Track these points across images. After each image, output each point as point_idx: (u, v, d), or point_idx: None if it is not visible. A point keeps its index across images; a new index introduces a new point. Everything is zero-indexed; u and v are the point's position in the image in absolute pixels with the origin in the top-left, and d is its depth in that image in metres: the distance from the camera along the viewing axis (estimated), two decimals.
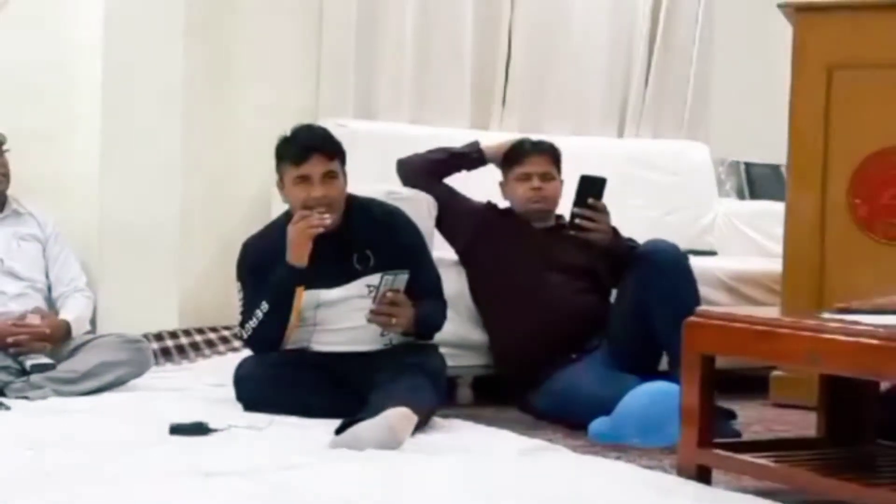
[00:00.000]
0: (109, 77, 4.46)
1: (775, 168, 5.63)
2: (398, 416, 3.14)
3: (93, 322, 4.26)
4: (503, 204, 4.19)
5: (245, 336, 3.64)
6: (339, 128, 4.42)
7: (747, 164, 5.87)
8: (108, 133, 4.47)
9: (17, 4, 4.54)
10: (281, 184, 3.64)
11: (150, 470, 2.76)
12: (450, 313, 3.77)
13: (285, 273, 3.52)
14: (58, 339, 3.97)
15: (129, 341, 3.98)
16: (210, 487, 2.62)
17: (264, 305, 3.53)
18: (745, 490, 2.85)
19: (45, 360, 3.84)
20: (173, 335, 4.47)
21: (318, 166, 3.54)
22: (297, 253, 3.51)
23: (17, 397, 3.64)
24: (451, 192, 4.16)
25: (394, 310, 3.51)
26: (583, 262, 4.01)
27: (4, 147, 4.16)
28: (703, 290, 3.94)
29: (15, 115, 4.36)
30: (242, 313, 3.62)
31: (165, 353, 4.39)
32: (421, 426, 3.29)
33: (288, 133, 3.62)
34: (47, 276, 4.20)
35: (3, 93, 4.47)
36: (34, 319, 3.95)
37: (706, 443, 2.88)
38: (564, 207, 4.12)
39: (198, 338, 4.51)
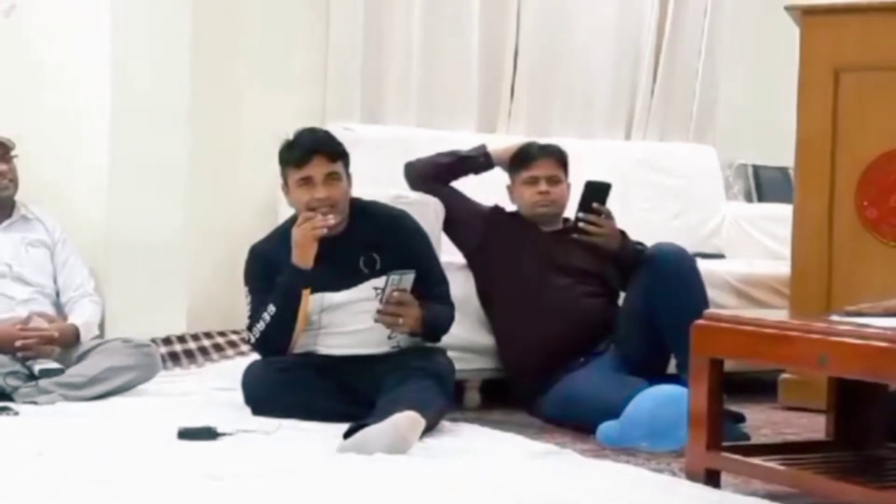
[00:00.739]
0: (117, 84, 4.46)
1: (783, 170, 5.62)
2: (406, 420, 3.14)
3: (101, 327, 4.27)
4: (510, 207, 4.18)
5: (253, 340, 3.64)
6: (346, 132, 4.44)
7: (755, 167, 5.87)
8: (116, 139, 4.47)
9: (27, 18, 4.54)
10: (285, 187, 3.64)
11: (159, 474, 2.76)
12: (457, 316, 3.77)
13: (291, 275, 3.53)
14: (66, 343, 3.97)
15: (138, 346, 3.98)
16: (218, 492, 2.62)
17: (271, 308, 3.54)
18: (753, 493, 2.85)
19: (53, 364, 3.84)
20: (181, 339, 4.47)
21: (320, 168, 3.55)
22: (302, 254, 3.51)
23: (26, 402, 3.64)
24: (458, 195, 4.16)
25: (400, 309, 3.51)
26: (590, 265, 4.01)
27: (13, 153, 4.17)
28: (711, 293, 3.93)
29: (24, 122, 4.37)
30: (250, 317, 3.62)
31: (173, 358, 4.39)
32: (429, 430, 3.29)
33: (290, 137, 3.62)
34: (55, 282, 4.20)
35: (12, 101, 4.48)
36: (40, 323, 3.95)
37: (715, 446, 2.88)
38: (571, 211, 4.12)
39: (206, 342, 4.51)
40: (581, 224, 3.80)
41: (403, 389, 3.36)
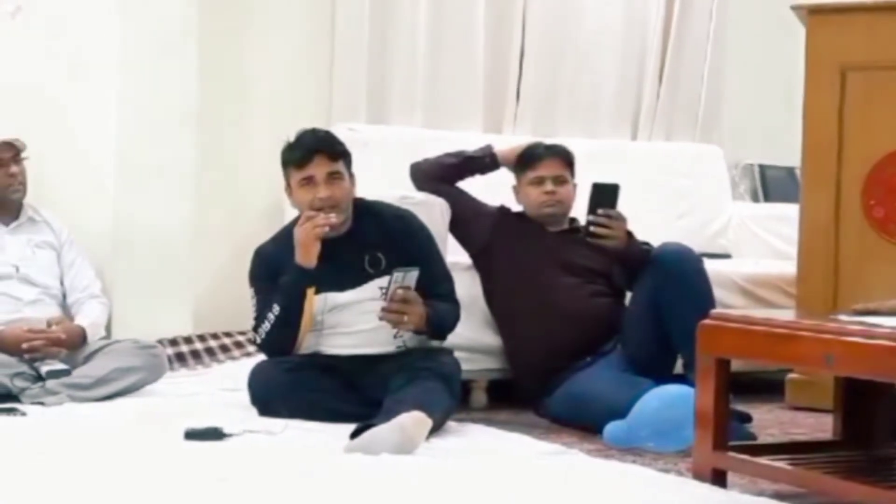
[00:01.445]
0: (124, 86, 4.47)
1: (790, 170, 5.62)
2: (412, 421, 3.14)
3: (108, 328, 4.27)
4: (516, 208, 4.18)
5: (258, 341, 3.64)
6: (352, 132, 4.44)
7: (761, 167, 5.86)
8: (123, 141, 4.48)
9: (34, 18, 4.54)
10: (288, 189, 3.65)
11: (166, 475, 2.76)
12: (464, 317, 3.76)
13: (294, 274, 3.53)
14: (73, 344, 3.98)
15: (144, 347, 3.99)
16: (224, 492, 2.62)
17: (276, 308, 3.54)
18: (761, 493, 2.84)
19: (60, 366, 3.85)
20: (188, 340, 4.47)
21: (321, 167, 3.55)
22: (305, 254, 3.52)
23: (33, 403, 3.65)
24: (464, 196, 4.16)
25: (405, 307, 3.50)
26: (596, 265, 4.01)
27: (23, 155, 4.18)
28: (718, 293, 3.93)
29: (31, 123, 4.38)
30: (255, 318, 3.63)
31: (180, 359, 4.40)
32: (435, 430, 3.28)
33: (292, 138, 3.63)
34: (62, 283, 4.21)
35: (19, 101, 4.48)
36: (46, 325, 3.96)
37: (721, 446, 2.88)
38: (577, 211, 4.12)
39: (212, 343, 4.51)
40: (592, 228, 3.79)
41: (410, 390, 3.36)
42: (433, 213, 3.96)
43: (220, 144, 4.72)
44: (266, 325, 3.57)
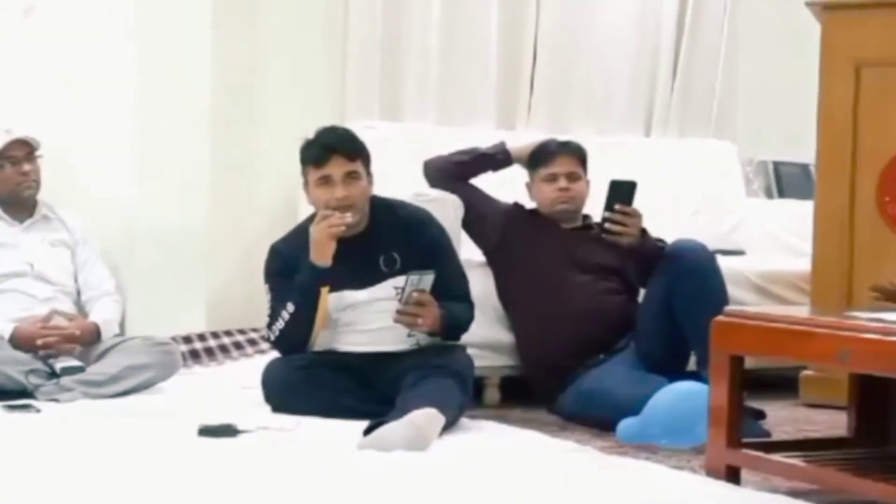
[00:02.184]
0: (139, 85, 4.48)
1: (804, 167, 5.60)
2: (425, 417, 3.14)
3: (122, 325, 4.29)
4: (530, 205, 4.18)
5: (272, 338, 3.65)
6: (366, 129, 4.43)
7: (775, 163, 5.85)
8: (137, 141, 4.49)
9: (51, 17, 4.55)
10: (306, 186, 3.65)
11: (179, 472, 2.77)
12: (477, 314, 3.76)
13: (309, 273, 3.53)
14: (87, 341, 3.99)
15: (158, 344, 4.00)
16: (238, 489, 2.62)
17: (290, 306, 3.54)
18: (774, 490, 2.84)
19: (74, 362, 3.86)
20: (201, 337, 4.48)
21: (338, 167, 3.55)
22: (320, 253, 3.52)
23: (47, 400, 3.66)
24: (477, 193, 4.15)
25: (420, 310, 3.51)
26: (609, 262, 4.00)
27: (37, 153, 4.19)
28: (732, 290, 3.92)
29: (47, 120, 4.39)
30: (269, 316, 3.63)
31: (193, 356, 4.41)
32: (448, 427, 3.29)
33: (311, 135, 3.63)
34: (76, 281, 4.22)
35: (35, 99, 4.49)
36: (60, 321, 3.97)
37: (735, 443, 2.87)
38: (590, 208, 4.12)
39: (225, 340, 4.52)
40: (607, 224, 3.78)
41: (423, 386, 3.36)
42: (446, 210, 3.96)
43: (233, 143, 4.73)
44: (280, 323, 3.57)
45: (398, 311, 3.51)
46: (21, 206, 4.21)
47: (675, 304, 3.74)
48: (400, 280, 3.54)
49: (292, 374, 3.58)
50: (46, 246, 4.20)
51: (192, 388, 3.99)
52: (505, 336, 4.10)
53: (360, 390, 3.55)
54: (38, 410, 3.53)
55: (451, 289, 3.65)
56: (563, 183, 4.06)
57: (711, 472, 2.91)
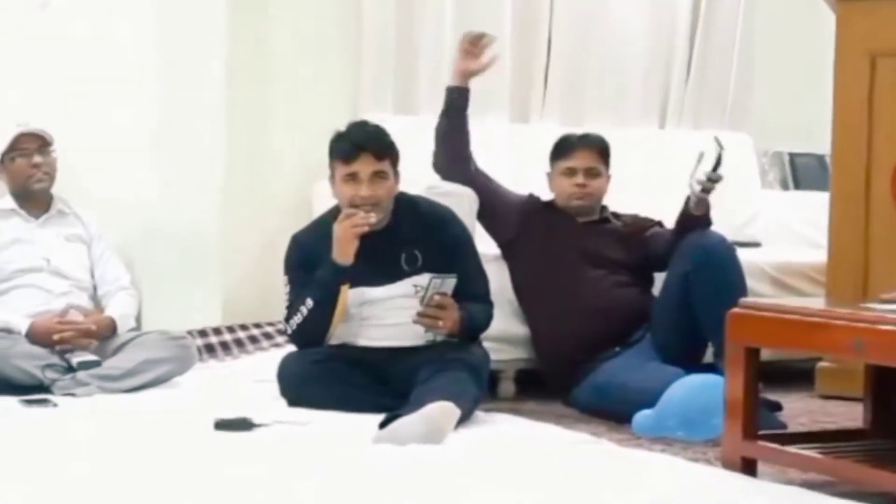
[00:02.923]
0: (154, 81, 4.49)
1: (819, 158, 5.58)
2: (440, 411, 3.15)
3: (137, 320, 4.29)
4: (546, 196, 4.17)
5: (289, 331, 3.65)
6: (380, 123, 4.43)
7: (791, 155, 5.83)
8: (152, 135, 4.49)
9: (69, 14, 4.56)
10: (332, 179, 3.64)
11: (196, 465, 2.78)
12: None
13: (330, 271, 3.53)
14: (103, 335, 4.00)
15: (174, 338, 4.00)
16: (254, 482, 2.63)
17: (309, 302, 3.54)
18: (790, 482, 2.83)
19: (91, 357, 3.87)
20: (217, 331, 4.48)
21: (366, 165, 3.54)
22: (343, 251, 3.51)
23: (64, 394, 3.67)
24: (493, 185, 4.14)
25: (440, 312, 3.51)
26: (622, 256, 4.00)
27: (52, 148, 4.20)
28: (748, 282, 3.90)
29: (63, 117, 4.39)
30: (288, 308, 3.63)
31: (209, 350, 4.41)
32: (463, 420, 3.29)
33: (342, 128, 3.62)
34: (92, 276, 4.23)
35: (52, 96, 4.50)
36: (76, 316, 3.99)
37: (751, 435, 2.87)
38: (608, 199, 4.12)
39: (241, 334, 4.52)
40: (705, 185, 3.80)
41: (438, 380, 3.36)
42: (461, 203, 3.95)
43: (248, 137, 4.73)
44: (298, 318, 3.57)
45: (419, 313, 3.52)
46: (34, 200, 4.22)
47: (692, 295, 3.73)
48: (420, 278, 3.54)
49: (308, 368, 3.59)
50: (62, 241, 4.21)
51: (207, 382, 3.99)
52: (520, 329, 4.10)
53: (375, 384, 3.55)
54: (54, 405, 3.54)
55: (471, 288, 3.65)
56: (580, 179, 4.04)
57: (727, 464, 2.91)
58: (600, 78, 5.41)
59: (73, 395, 3.67)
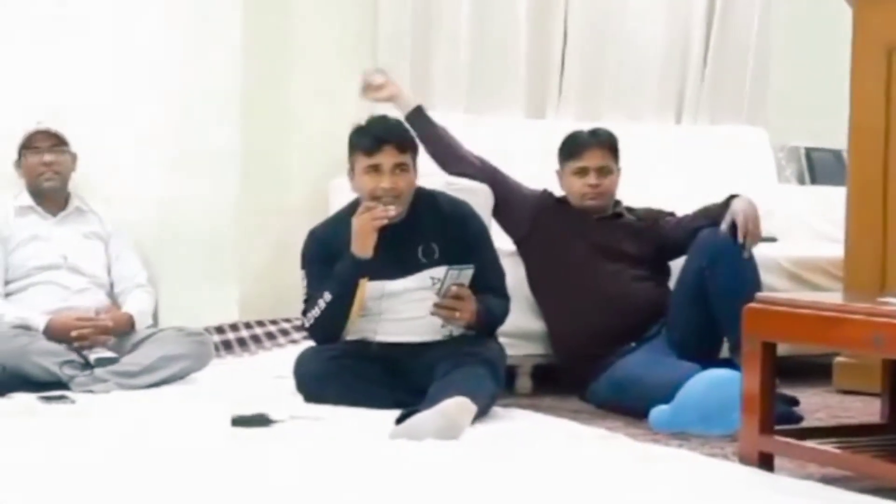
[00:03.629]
0: (169, 76, 4.50)
1: (836, 153, 5.57)
2: (457, 406, 3.15)
3: (155, 316, 4.31)
4: (559, 192, 4.16)
5: (307, 325, 3.65)
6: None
7: (807, 149, 5.81)
8: (168, 131, 4.50)
9: (79, 7, 4.58)
10: (351, 172, 3.64)
11: (213, 461, 2.79)
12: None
13: (349, 264, 3.53)
14: (121, 332, 4.02)
15: (191, 335, 4.02)
16: (271, 478, 2.64)
17: (327, 296, 3.54)
18: (808, 477, 2.83)
19: (108, 354, 3.88)
20: (234, 328, 4.50)
21: (389, 157, 3.55)
22: (362, 244, 3.52)
23: (82, 391, 3.69)
24: (508, 181, 4.14)
25: (458, 304, 3.52)
26: (638, 250, 4.00)
27: (66, 147, 4.21)
28: (764, 277, 3.90)
29: (77, 113, 4.41)
30: (305, 302, 3.64)
31: (226, 346, 4.42)
32: (480, 416, 3.29)
33: (363, 122, 3.63)
34: (109, 273, 4.25)
35: (67, 93, 4.51)
36: (90, 314, 4.00)
37: (768, 430, 2.86)
38: (622, 194, 4.11)
39: (258, 330, 4.53)
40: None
41: (455, 375, 3.37)
42: (477, 199, 3.95)
43: (264, 133, 4.73)
44: (316, 311, 3.58)
45: (436, 305, 3.52)
46: (48, 197, 4.24)
47: (708, 290, 3.73)
48: (436, 271, 3.55)
49: (324, 364, 3.59)
50: (80, 238, 4.23)
51: (224, 378, 4.00)
52: (536, 324, 4.10)
53: (391, 380, 3.55)
54: (72, 401, 3.56)
55: (488, 282, 3.66)
56: (592, 179, 4.03)
57: (744, 460, 2.91)
58: (616, 73, 5.40)
59: (91, 391, 3.69)
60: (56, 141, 4.21)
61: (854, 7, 4.09)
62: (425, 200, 3.67)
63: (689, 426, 3.36)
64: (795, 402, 3.62)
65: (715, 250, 3.77)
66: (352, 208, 3.62)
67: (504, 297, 3.73)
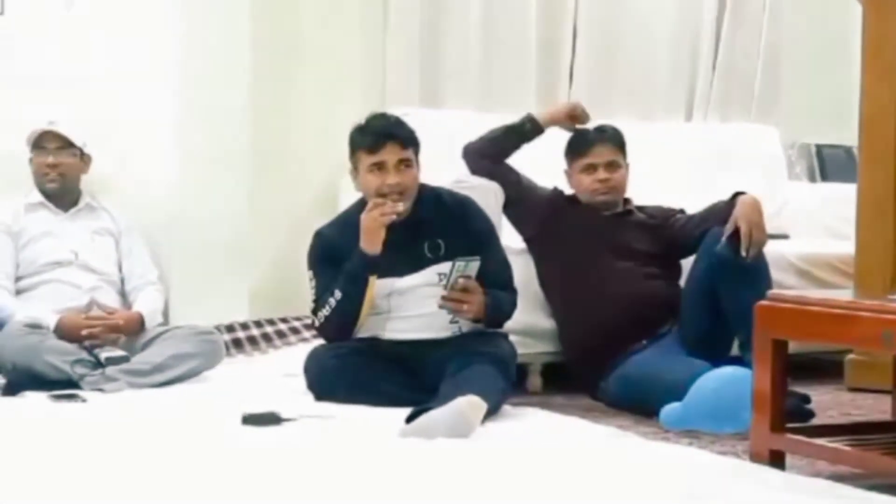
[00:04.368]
0: (180, 76, 4.50)
1: (847, 150, 5.56)
2: (468, 405, 3.14)
3: (165, 315, 4.32)
4: (569, 190, 4.16)
5: (317, 324, 3.65)
6: (406, 116, 4.43)
7: (818, 146, 5.80)
8: (179, 130, 4.51)
9: (93, 11, 4.58)
10: (354, 172, 3.65)
11: (223, 459, 2.79)
12: (518, 301, 3.76)
13: (359, 261, 3.53)
14: (131, 331, 4.03)
15: (201, 333, 4.02)
16: (282, 476, 2.64)
17: (337, 294, 3.55)
18: (819, 475, 2.82)
19: (119, 352, 3.89)
20: (244, 326, 4.50)
21: (392, 154, 3.55)
22: (371, 241, 3.52)
23: (93, 390, 3.69)
24: (519, 178, 4.14)
25: (465, 296, 3.51)
26: (650, 247, 3.99)
27: (75, 150, 4.22)
28: (775, 274, 3.89)
29: (91, 114, 4.42)
30: (314, 301, 3.63)
31: (237, 345, 4.43)
32: (491, 414, 3.29)
33: (362, 121, 3.63)
34: (120, 270, 4.26)
35: (78, 92, 4.52)
36: (99, 312, 4.01)
37: (779, 428, 2.86)
38: (633, 190, 4.11)
39: (268, 329, 4.54)
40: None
41: (466, 374, 3.37)
42: (488, 197, 3.95)
43: (274, 131, 4.74)
44: (326, 310, 3.58)
45: (443, 297, 3.52)
46: (55, 196, 4.25)
47: (718, 288, 3.72)
48: (443, 266, 3.55)
49: (335, 362, 3.59)
50: (90, 235, 4.24)
51: (235, 376, 4.01)
52: (546, 322, 4.10)
53: (402, 378, 3.55)
54: (83, 400, 3.56)
55: (495, 276, 3.65)
56: (601, 174, 4.03)
57: (755, 457, 2.90)
58: (626, 70, 5.40)
59: (101, 390, 3.69)
60: (63, 143, 4.22)
61: (864, 4, 4.08)
62: (429, 197, 3.68)
63: (700, 424, 3.36)
64: (807, 399, 3.61)
65: (724, 248, 3.76)
66: (358, 208, 3.62)
67: (511, 290, 3.73)
